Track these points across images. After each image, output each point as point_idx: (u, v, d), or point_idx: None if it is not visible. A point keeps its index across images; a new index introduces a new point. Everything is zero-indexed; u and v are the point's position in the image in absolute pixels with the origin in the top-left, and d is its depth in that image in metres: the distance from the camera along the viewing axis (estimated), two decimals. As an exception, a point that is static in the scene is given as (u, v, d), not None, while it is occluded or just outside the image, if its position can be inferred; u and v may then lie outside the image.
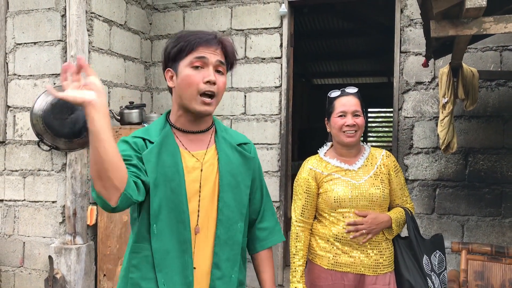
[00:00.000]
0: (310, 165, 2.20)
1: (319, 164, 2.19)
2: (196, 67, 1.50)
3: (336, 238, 2.10)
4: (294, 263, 2.14)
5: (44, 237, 3.59)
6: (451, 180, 3.53)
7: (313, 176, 2.16)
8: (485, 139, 3.47)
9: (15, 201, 3.68)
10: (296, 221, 2.18)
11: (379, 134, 11.38)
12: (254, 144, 3.95)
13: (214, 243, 1.57)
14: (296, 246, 2.15)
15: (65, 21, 3.52)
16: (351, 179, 2.11)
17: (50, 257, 3.42)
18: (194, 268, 1.55)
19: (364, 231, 2.04)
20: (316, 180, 2.16)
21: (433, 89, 3.58)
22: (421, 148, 3.61)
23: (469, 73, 3.16)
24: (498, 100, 3.44)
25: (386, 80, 10.05)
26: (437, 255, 2.21)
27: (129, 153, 1.50)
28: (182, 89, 1.52)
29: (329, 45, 8.79)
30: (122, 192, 1.35)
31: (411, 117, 3.64)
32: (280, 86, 3.98)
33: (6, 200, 3.71)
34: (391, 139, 3.84)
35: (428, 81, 3.60)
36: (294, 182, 2.25)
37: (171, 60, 1.55)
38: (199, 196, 1.57)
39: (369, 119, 11.19)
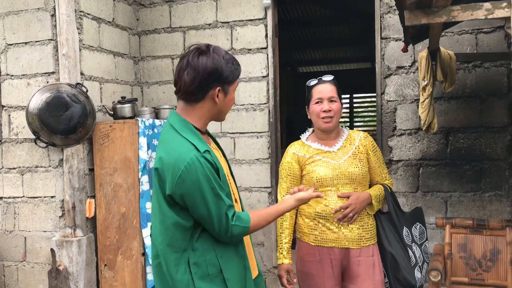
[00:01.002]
0: (293, 149, 2.37)
1: (301, 148, 2.35)
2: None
3: (320, 215, 2.26)
4: (280, 241, 2.31)
5: (45, 231, 3.71)
6: (434, 159, 3.71)
7: (296, 159, 2.33)
8: (464, 119, 3.64)
9: (14, 197, 3.79)
10: None
11: (365, 119, 11.57)
12: (244, 133, 4.12)
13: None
14: (282, 225, 2.33)
15: (55, 21, 3.61)
16: (331, 160, 2.27)
17: (52, 250, 3.54)
18: None
19: (350, 214, 2.21)
20: (299, 163, 2.32)
21: (414, 72, 3.74)
22: (404, 130, 3.78)
23: (446, 56, 3.32)
24: (476, 81, 3.61)
25: (370, 66, 10.22)
26: (418, 227, 2.38)
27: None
28: (225, 106, 1.79)
29: (313, 33, 8.92)
30: None
31: (393, 101, 3.80)
32: (267, 75, 4.11)
33: (5, 198, 3.81)
34: (375, 123, 3.99)
35: (409, 65, 3.76)
36: (279, 166, 2.41)
37: (224, 80, 1.72)
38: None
39: (355, 105, 11.36)
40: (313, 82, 2.39)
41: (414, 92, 3.74)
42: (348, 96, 10.94)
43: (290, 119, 9.29)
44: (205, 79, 1.68)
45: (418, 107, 3.70)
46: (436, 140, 3.70)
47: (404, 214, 2.39)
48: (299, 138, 2.46)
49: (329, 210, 2.23)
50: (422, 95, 3.29)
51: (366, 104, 11.49)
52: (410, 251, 2.30)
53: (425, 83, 3.30)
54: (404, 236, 2.31)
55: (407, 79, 3.77)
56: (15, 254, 3.81)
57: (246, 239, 1.86)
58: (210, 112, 1.77)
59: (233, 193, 1.82)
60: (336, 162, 2.27)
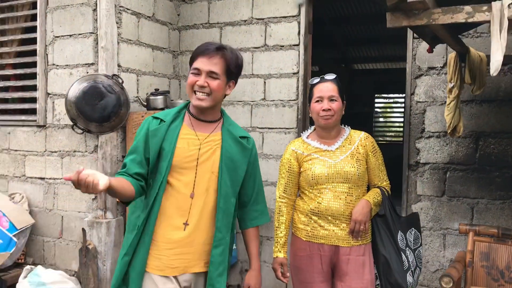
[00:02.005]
0: (292, 146, 2.41)
1: (301, 146, 2.39)
2: (195, 74, 2.04)
3: (313, 212, 2.29)
4: (277, 235, 2.36)
5: (79, 212, 3.98)
6: (462, 163, 3.59)
7: (295, 157, 2.37)
8: (496, 123, 3.49)
9: (54, 179, 4.09)
10: (279, 197, 2.39)
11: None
12: (273, 128, 4.18)
13: (215, 211, 2.01)
14: (278, 219, 2.37)
15: (96, 15, 3.84)
16: (328, 159, 2.29)
17: (83, 230, 3.80)
18: (187, 224, 2.01)
19: (361, 227, 2.24)
20: (298, 160, 2.36)
21: (445, 74, 3.62)
22: (432, 132, 3.68)
23: (477, 57, 3.20)
24: (511, 84, 3.45)
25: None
26: (413, 232, 2.35)
27: (138, 152, 2.04)
28: (186, 88, 2.13)
29: (367, 30, 8.77)
30: (133, 198, 1.99)
31: (423, 102, 3.71)
32: (298, 72, 4.14)
33: (47, 178, 4.13)
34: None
35: (440, 66, 3.65)
36: (280, 162, 2.46)
37: (189, 65, 2.10)
38: (196, 170, 2.04)
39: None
40: (315, 80, 2.42)
41: (445, 94, 3.63)
42: (404, 95, 10.63)
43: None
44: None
45: (447, 109, 3.59)
46: (465, 144, 3.58)
47: (399, 218, 2.37)
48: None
49: (322, 208, 2.26)
50: (449, 97, 3.21)
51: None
52: (403, 255, 2.28)
53: (452, 85, 3.20)
54: (398, 240, 2.30)
55: (438, 80, 3.66)
56: (53, 231, 4.12)
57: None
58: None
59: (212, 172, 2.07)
60: (332, 161, 2.29)
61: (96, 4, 3.84)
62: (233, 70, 2.07)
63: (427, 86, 3.69)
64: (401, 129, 11.11)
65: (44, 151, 4.13)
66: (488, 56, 3.26)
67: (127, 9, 4.01)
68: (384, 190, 2.36)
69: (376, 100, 11.69)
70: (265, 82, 4.27)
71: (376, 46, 9.78)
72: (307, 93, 4.18)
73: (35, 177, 4.19)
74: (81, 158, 3.95)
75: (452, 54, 3.20)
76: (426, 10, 1.77)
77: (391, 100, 11.83)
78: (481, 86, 3.20)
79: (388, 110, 12.10)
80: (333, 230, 2.26)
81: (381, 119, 12.00)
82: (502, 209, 3.48)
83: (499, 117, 3.48)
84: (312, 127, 2.48)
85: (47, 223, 4.15)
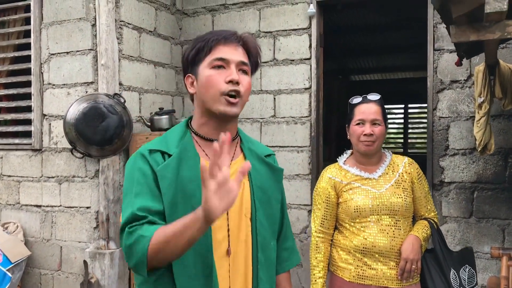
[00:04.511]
0: (329, 174, 2.15)
1: (338, 173, 2.13)
2: (218, 67, 1.40)
3: (358, 249, 2.04)
4: (314, 275, 2.10)
5: (80, 242, 3.69)
6: (490, 182, 3.37)
7: (332, 185, 2.11)
8: (526, 139, 3.29)
9: (52, 206, 3.80)
10: (316, 231, 2.13)
11: (420, 131, 11.02)
12: (284, 147, 3.94)
13: (254, 267, 1.46)
14: (316, 258, 2.11)
15: (96, 30, 3.59)
16: (371, 188, 2.05)
17: (85, 262, 3.51)
18: None
19: (413, 266, 1.99)
20: (336, 190, 2.11)
21: (469, 87, 3.42)
22: (457, 149, 3.46)
23: (507, 70, 3.00)
24: (540, 97, 3.25)
25: (426, 75, 9.74)
26: (467, 270, 2.11)
27: (150, 198, 1.36)
28: (203, 93, 1.41)
29: (366, 41, 8.59)
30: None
31: (446, 117, 3.50)
32: (310, 87, 3.91)
33: (44, 206, 3.84)
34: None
35: (464, 79, 3.45)
36: (313, 191, 2.21)
37: (190, 64, 1.45)
38: (227, 215, 1.42)
39: (409, 115, 10.88)
40: (356, 99, 2.16)
41: (470, 109, 3.42)
42: (402, 106, 10.49)
43: (341, 129, 9.00)
44: (183, 77, 1.49)
45: (473, 125, 3.38)
46: (493, 161, 3.36)
47: (451, 253, 2.13)
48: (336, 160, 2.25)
49: (368, 244, 2.01)
50: (478, 113, 3.00)
51: (422, 116, 10.98)
52: (457, 296, 2.04)
53: (482, 100, 3.00)
54: (451, 278, 2.05)
55: (462, 94, 3.45)
56: (51, 263, 3.82)
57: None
58: (200, 108, 1.46)
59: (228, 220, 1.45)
60: (377, 190, 2.04)
61: (95, 19, 3.58)
62: (258, 61, 1.52)
63: (450, 101, 3.48)
64: (401, 140, 10.96)
65: (41, 177, 3.84)
66: (519, 68, 3.07)
67: (128, 23, 3.76)
68: (433, 222, 2.12)
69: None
70: (275, 98, 4.03)
71: (374, 56, 9.63)
72: (320, 109, 3.97)
73: (31, 205, 3.89)
74: (81, 183, 3.67)
75: (479, 67, 2.99)
76: (499, 22, 1.55)
77: (388, 111, 11.67)
78: (512, 101, 3.01)
79: (389, 120, 11.94)
80: (381, 270, 2.01)
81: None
82: (536, 231, 3.26)
83: (529, 133, 3.28)
84: (349, 152, 2.23)
85: (45, 254, 3.84)
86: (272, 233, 1.54)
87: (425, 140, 10.57)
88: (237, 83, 1.39)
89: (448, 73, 3.48)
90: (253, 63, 1.50)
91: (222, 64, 1.40)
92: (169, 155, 1.41)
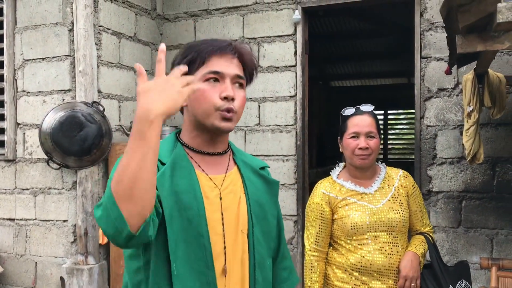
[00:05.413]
0: (322, 189, 2.05)
1: (332, 188, 2.04)
2: (213, 80, 1.32)
3: (354, 267, 1.95)
4: None
5: (56, 257, 3.51)
6: (478, 191, 3.34)
7: (327, 201, 2.02)
8: (514, 148, 3.26)
9: (26, 220, 3.61)
10: (310, 250, 2.04)
11: (402, 137, 11.07)
12: (269, 156, 3.84)
13: (251, 287, 1.37)
14: (311, 278, 2.01)
15: (73, 36, 3.44)
16: (368, 204, 1.96)
17: (62, 278, 3.34)
18: None
19: (412, 284, 1.91)
20: (330, 206, 2.01)
21: (457, 95, 3.39)
22: (445, 158, 3.42)
23: (495, 79, 2.97)
24: (527, 106, 3.24)
25: (406, 81, 9.80)
26: (463, 285, 2.04)
27: None
28: (196, 107, 1.32)
29: (346, 47, 8.60)
30: (146, 219, 1.10)
31: (434, 126, 3.46)
32: (295, 95, 3.83)
33: (17, 219, 3.65)
34: (413, 146, 3.64)
35: (451, 88, 3.42)
36: (306, 207, 2.11)
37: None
38: (223, 230, 1.33)
39: (389, 121, 10.92)
40: (348, 111, 2.07)
41: (457, 117, 3.39)
42: (382, 112, 10.52)
43: (321, 135, 8.98)
44: None
45: (461, 134, 3.35)
46: (481, 170, 3.33)
47: (448, 269, 2.06)
48: (333, 161, 2.16)
49: (365, 262, 1.92)
50: (467, 122, 2.95)
51: (402, 121, 11.04)
52: (456, 312, 1.97)
53: (471, 109, 2.95)
54: (448, 294, 1.98)
55: (450, 103, 3.42)
56: (25, 280, 3.63)
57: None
58: (191, 122, 1.37)
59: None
60: (373, 206, 1.95)
61: (73, 24, 3.43)
62: (254, 74, 1.45)
63: (438, 109, 3.44)
64: (381, 146, 11.00)
65: (14, 189, 3.65)
66: (508, 77, 3.05)
67: (107, 28, 3.61)
68: (429, 237, 2.05)
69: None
70: (259, 106, 3.93)
71: (354, 63, 9.64)
72: (306, 117, 3.90)
73: (3, 218, 3.70)
74: (58, 196, 3.50)
75: (468, 76, 2.95)
76: (508, 32, 1.49)
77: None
78: (501, 109, 2.98)
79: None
80: (380, 288, 1.92)
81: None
82: (524, 240, 3.24)
83: (517, 141, 3.26)
84: (342, 164, 2.14)
85: (18, 270, 3.65)
86: (268, 250, 1.45)
87: (406, 146, 10.69)
88: (232, 99, 1.32)
89: (436, 81, 3.44)
90: (248, 75, 1.43)
91: (216, 77, 1.32)
92: (163, 164, 1.31)
